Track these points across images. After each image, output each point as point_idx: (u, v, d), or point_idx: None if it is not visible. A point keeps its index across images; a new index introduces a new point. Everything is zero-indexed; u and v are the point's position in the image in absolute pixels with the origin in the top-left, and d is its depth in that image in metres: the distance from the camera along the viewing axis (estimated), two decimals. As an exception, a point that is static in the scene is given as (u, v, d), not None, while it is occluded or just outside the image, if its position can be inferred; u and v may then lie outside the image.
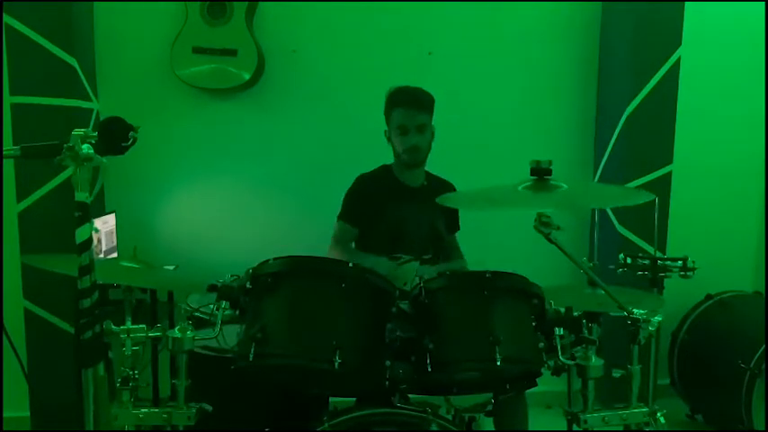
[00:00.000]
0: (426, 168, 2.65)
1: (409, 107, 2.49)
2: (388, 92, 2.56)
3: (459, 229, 2.76)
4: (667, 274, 2.46)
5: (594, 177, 3.42)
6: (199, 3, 3.08)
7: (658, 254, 2.55)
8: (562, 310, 1.65)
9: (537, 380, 1.75)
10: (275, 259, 1.61)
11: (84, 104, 2.94)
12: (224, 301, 1.62)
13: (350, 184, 2.63)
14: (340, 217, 2.62)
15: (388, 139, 2.58)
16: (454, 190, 2.65)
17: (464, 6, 3.31)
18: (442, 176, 2.68)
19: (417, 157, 2.53)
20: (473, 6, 3.31)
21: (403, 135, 2.49)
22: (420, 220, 2.56)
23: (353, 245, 2.65)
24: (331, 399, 2.01)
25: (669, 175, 3.24)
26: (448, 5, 3.30)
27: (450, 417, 1.76)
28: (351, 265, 1.61)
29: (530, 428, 2.27)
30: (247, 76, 3.11)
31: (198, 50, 3.09)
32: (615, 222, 3.24)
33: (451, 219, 2.69)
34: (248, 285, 1.59)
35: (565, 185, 1.69)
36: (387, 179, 2.61)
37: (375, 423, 1.63)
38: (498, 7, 3.34)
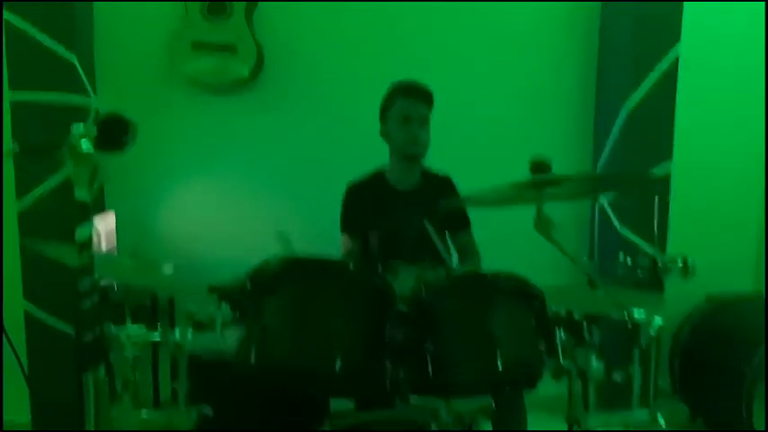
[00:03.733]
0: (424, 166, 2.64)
1: (413, 97, 2.51)
2: (390, 86, 2.56)
3: (469, 225, 2.69)
4: (667, 274, 2.46)
5: (594, 177, 3.41)
6: (199, 3, 3.07)
7: (658, 254, 2.54)
8: (563, 312, 1.65)
9: (537, 382, 1.75)
10: (276, 260, 1.61)
11: (83, 100, 2.93)
12: (224, 303, 1.62)
13: (350, 182, 2.62)
14: (341, 229, 2.62)
15: (385, 136, 2.56)
16: (451, 184, 2.63)
17: (464, 6, 3.30)
18: (440, 173, 2.66)
19: (418, 149, 2.52)
20: (473, 6, 3.31)
21: (405, 124, 2.49)
22: (415, 225, 2.46)
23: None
24: (331, 401, 2.00)
25: (669, 174, 3.24)
26: (448, 5, 3.30)
27: (450, 419, 1.76)
28: (351, 265, 1.61)
29: (530, 431, 2.26)
30: (246, 72, 3.11)
31: (197, 46, 3.09)
32: (615, 222, 3.24)
33: (456, 217, 2.61)
34: (248, 286, 1.59)
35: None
36: (378, 186, 2.59)
37: (375, 425, 1.63)
38: (498, 7, 3.33)
